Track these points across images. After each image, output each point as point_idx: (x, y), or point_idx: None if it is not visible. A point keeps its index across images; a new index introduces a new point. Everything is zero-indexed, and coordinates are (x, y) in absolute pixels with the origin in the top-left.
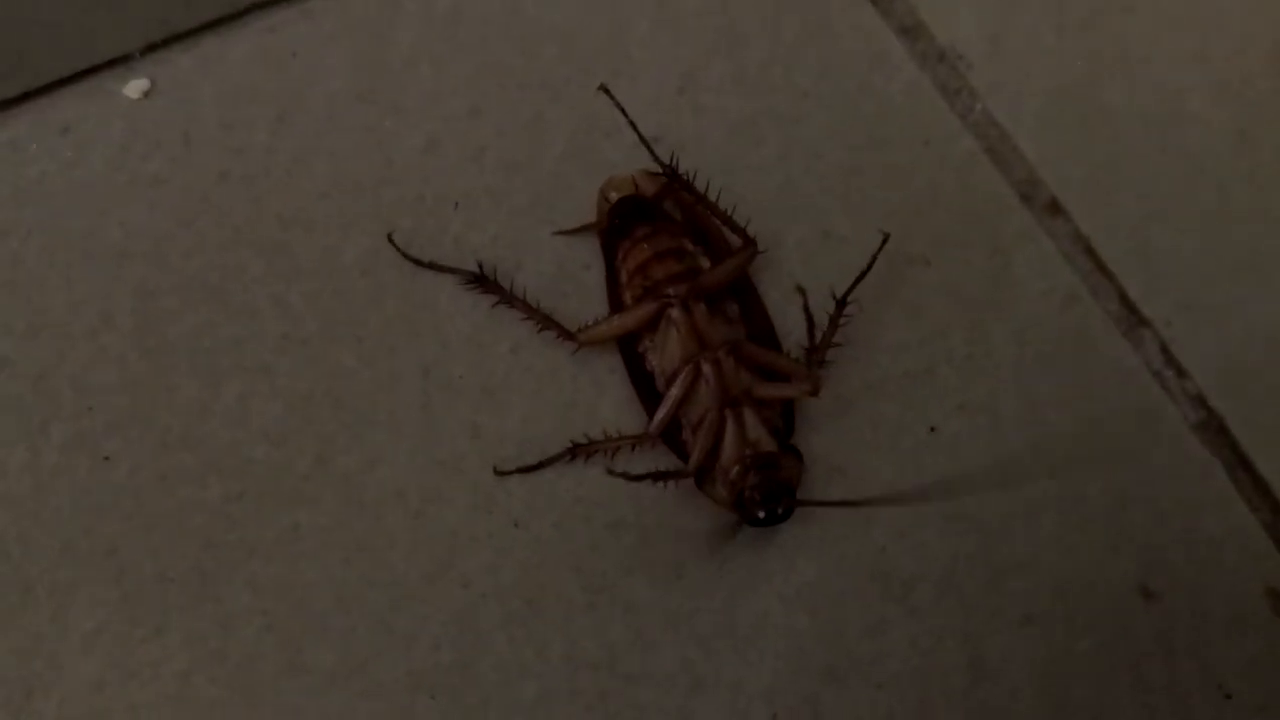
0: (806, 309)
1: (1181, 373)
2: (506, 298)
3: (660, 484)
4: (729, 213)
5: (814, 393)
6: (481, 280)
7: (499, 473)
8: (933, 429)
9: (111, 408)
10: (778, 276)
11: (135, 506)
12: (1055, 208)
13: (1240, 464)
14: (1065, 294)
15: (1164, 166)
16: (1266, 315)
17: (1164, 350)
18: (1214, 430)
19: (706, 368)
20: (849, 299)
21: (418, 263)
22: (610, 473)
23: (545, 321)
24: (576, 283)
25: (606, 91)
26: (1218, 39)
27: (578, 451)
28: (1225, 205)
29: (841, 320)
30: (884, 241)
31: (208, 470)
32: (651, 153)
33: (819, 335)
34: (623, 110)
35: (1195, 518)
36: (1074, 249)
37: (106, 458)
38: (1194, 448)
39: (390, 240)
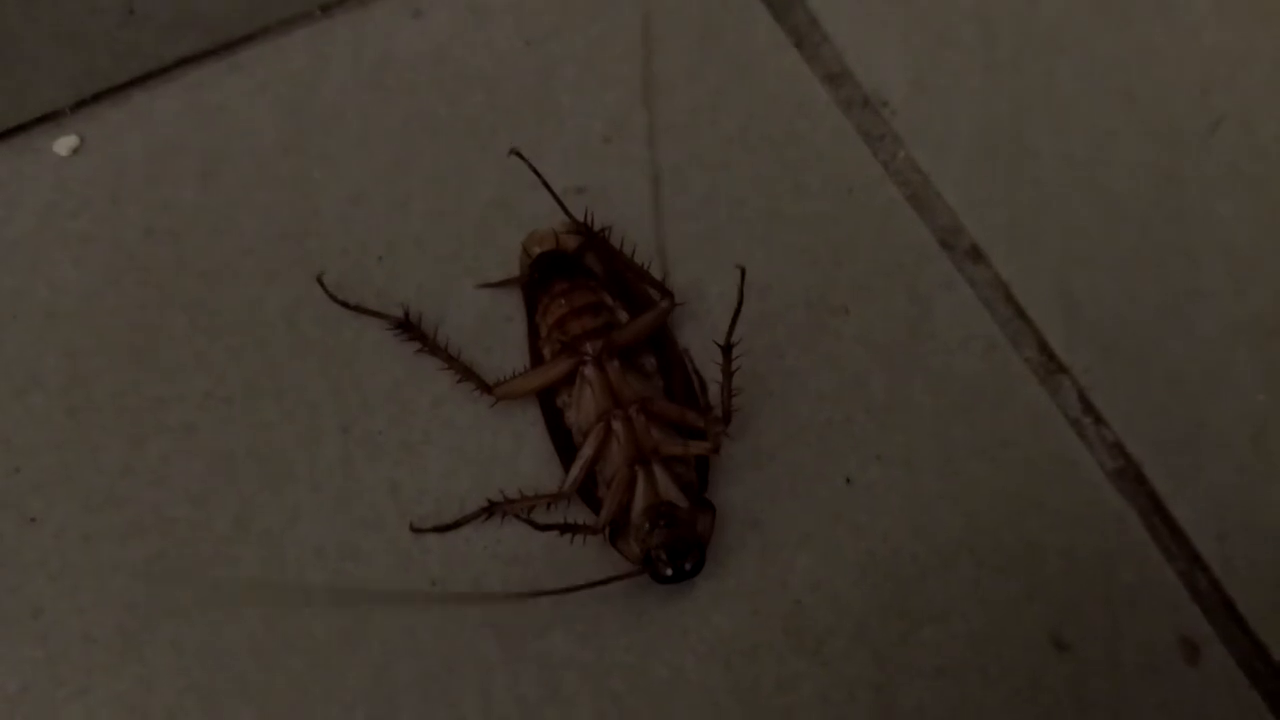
0: (694, 370)
1: (1099, 420)
2: (429, 346)
3: (574, 540)
4: (647, 266)
5: (715, 450)
6: (406, 326)
7: (415, 530)
8: (849, 480)
9: (38, 468)
10: (700, 328)
11: (61, 567)
12: (976, 254)
13: (1157, 511)
14: (984, 342)
15: (1087, 211)
16: (1187, 362)
17: (1082, 398)
18: (1131, 478)
19: (617, 425)
20: (733, 342)
21: (345, 305)
22: (517, 517)
23: (465, 373)
24: (499, 335)
25: (520, 156)
26: (1144, 81)
27: (494, 509)
28: (1147, 250)
29: (734, 367)
30: (742, 276)
31: (131, 530)
32: (566, 212)
33: (720, 389)
34: (536, 172)
35: (1110, 566)
36: (994, 296)
37: (33, 519)
38: (1110, 495)
39: (319, 282)
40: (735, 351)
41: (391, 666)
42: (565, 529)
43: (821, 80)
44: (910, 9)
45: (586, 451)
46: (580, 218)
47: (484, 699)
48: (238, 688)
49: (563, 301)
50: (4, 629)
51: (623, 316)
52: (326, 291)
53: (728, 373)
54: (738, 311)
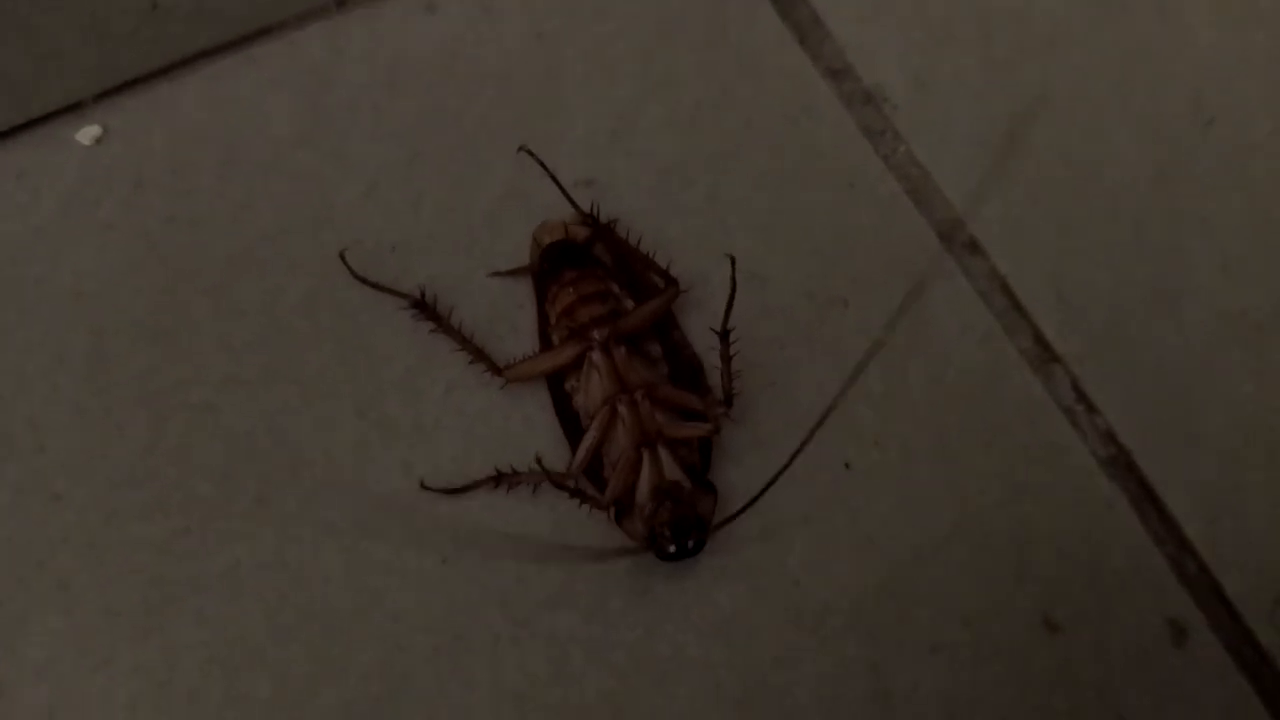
0: (692, 358)
1: (1092, 408)
2: (443, 326)
3: (581, 508)
4: (652, 255)
5: (716, 432)
6: (421, 306)
7: (425, 488)
8: (847, 465)
9: (63, 447)
10: (704, 315)
11: (85, 543)
12: (974, 247)
13: (1147, 497)
14: (981, 332)
15: (1082, 206)
16: (1177, 353)
17: (1075, 387)
18: (1122, 465)
19: (622, 409)
20: (729, 328)
21: (365, 281)
22: (537, 462)
23: (477, 354)
24: (510, 323)
25: (529, 152)
26: (1140, 80)
27: (501, 479)
28: (1141, 243)
29: (733, 352)
30: (733, 265)
31: (154, 507)
32: (574, 204)
33: (719, 374)
34: (545, 167)
35: (1101, 550)
36: (990, 288)
37: (58, 496)
38: (1101, 482)
39: (342, 257)
40: (736, 339)
41: (404, 640)
42: (575, 493)
43: (824, 76)
44: (912, 6)
45: (593, 434)
46: (588, 210)
47: (493, 672)
48: (256, 659)
49: (571, 290)
50: (31, 602)
51: (629, 304)
52: (348, 267)
53: (726, 357)
54: (731, 298)
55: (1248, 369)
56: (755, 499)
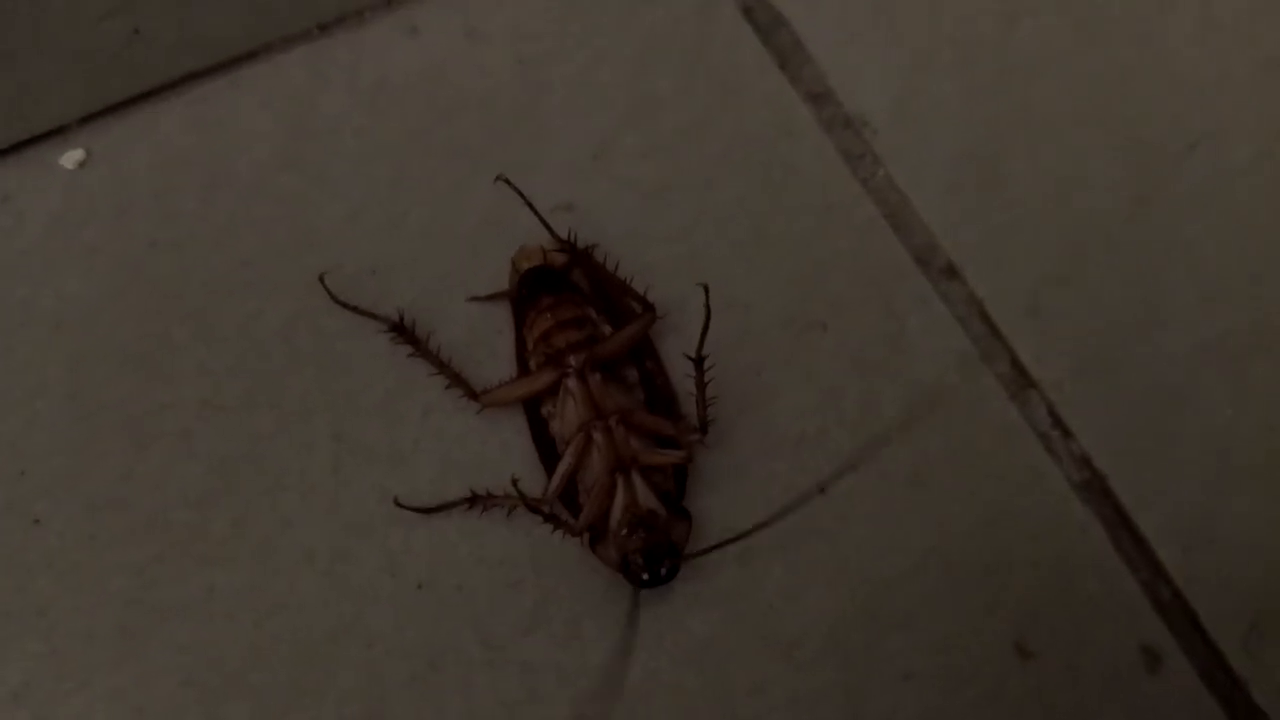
0: (668, 384)
1: (1068, 434)
2: (421, 350)
3: (555, 534)
4: (630, 281)
5: (689, 459)
6: (400, 329)
7: (399, 505)
8: (823, 490)
9: (43, 472)
10: (682, 341)
11: (64, 567)
12: (951, 271)
13: (1122, 523)
14: (957, 357)
15: (1061, 230)
16: (1155, 378)
17: (1051, 412)
18: (1097, 491)
19: (597, 435)
20: (703, 355)
21: (344, 305)
22: (513, 485)
23: (454, 379)
24: (489, 348)
25: (507, 181)
26: (1121, 104)
27: (476, 501)
28: (1119, 269)
29: (708, 379)
30: (707, 293)
31: (132, 532)
32: (551, 232)
33: (694, 401)
34: (522, 195)
35: (1075, 576)
36: (968, 312)
37: (37, 520)
38: (1076, 508)
39: (321, 281)
40: (713, 364)
41: (380, 665)
42: (550, 518)
43: (804, 100)
44: (893, 32)
45: (568, 460)
46: (566, 235)
47: (467, 697)
48: (233, 685)
49: (548, 315)
50: (9, 626)
51: (607, 330)
52: (327, 290)
53: (700, 384)
54: (706, 325)
55: (1225, 395)
56: (731, 540)
